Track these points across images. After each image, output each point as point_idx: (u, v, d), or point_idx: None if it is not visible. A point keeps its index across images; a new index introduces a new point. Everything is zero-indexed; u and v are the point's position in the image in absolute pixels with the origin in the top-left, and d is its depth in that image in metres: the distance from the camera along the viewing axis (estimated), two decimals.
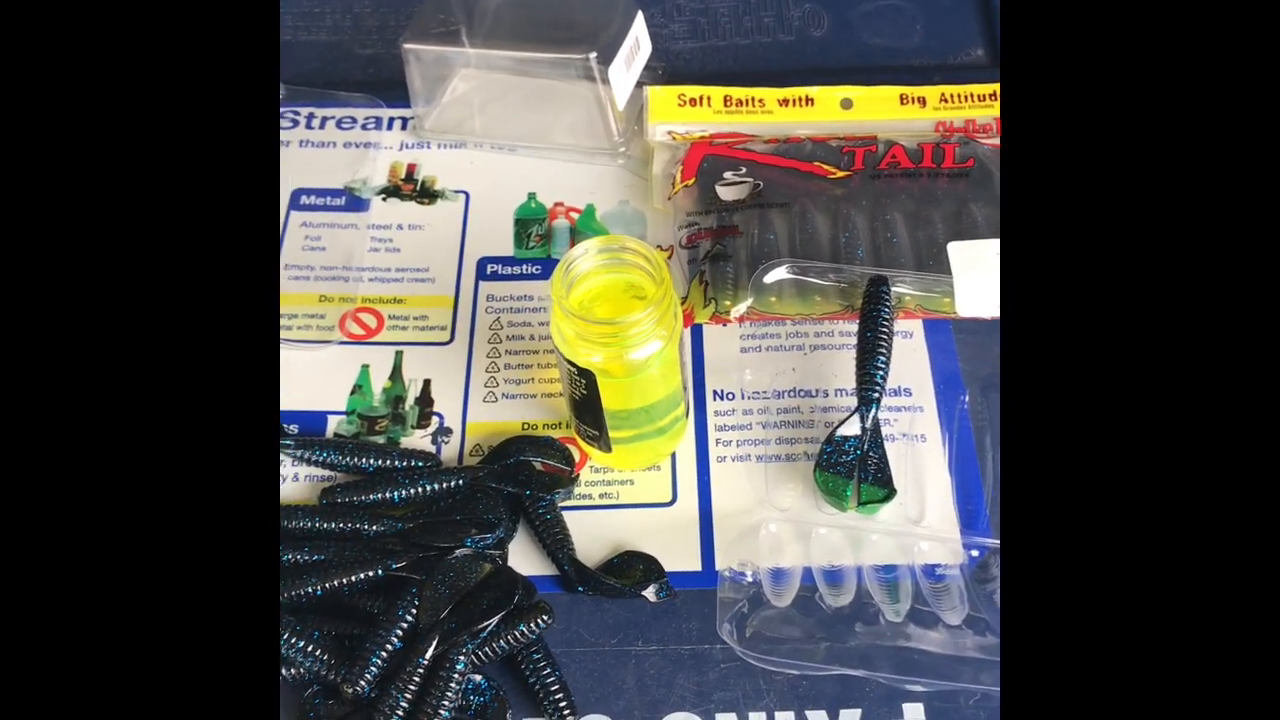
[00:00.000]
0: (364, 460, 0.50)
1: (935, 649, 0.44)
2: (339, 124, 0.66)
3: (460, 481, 0.49)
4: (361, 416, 0.53)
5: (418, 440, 0.52)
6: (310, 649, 0.44)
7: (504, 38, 0.62)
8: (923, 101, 0.63)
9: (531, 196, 0.62)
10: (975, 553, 0.47)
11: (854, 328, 0.51)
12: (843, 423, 0.49)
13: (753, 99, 0.63)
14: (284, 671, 0.44)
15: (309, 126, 0.65)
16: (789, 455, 0.51)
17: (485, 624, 0.44)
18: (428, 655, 0.43)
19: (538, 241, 0.60)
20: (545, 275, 0.58)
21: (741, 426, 0.52)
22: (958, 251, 0.55)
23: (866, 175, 0.59)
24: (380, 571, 0.46)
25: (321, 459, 0.50)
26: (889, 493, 0.48)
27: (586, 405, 0.47)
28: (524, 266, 0.59)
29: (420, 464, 0.50)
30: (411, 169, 0.63)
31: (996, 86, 0.63)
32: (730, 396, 0.53)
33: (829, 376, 0.54)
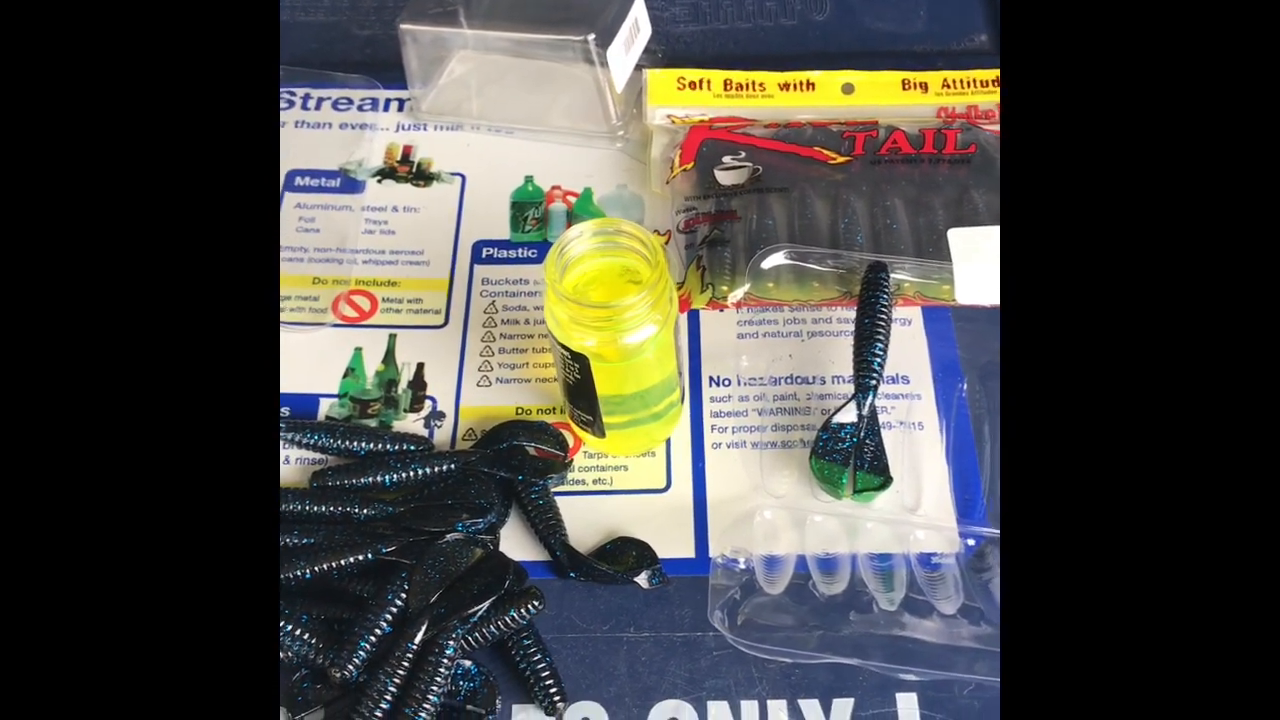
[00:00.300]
0: (355, 444, 0.50)
1: (929, 638, 0.44)
2: (335, 105, 0.65)
3: (452, 466, 0.49)
4: (354, 400, 0.53)
5: (410, 424, 0.52)
6: (299, 633, 0.43)
7: (502, 19, 0.62)
8: (925, 87, 0.62)
9: (528, 179, 0.61)
10: (971, 542, 0.47)
11: (852, 314, 0.50)
12: (839, 410, 0.48)
13: (753, 83, 0.63)
14: None
15: (305, 107, 0.64)
16: (785, 442, 0.51)
17: (475, 609, 0.43)
18: (417, 640, 0.43)
19: (534, 225, 0.59)
20: (541, 259, 0.57)
21: (738, 413, 0.52)
22: (958, 238, 0.54)
23: (867, 161, 0.58)
24: (370, 555, 0.45)
25: (313, 442, 0.50)
26: (885, 480, 0.47)
27: (580, 390, 0.47)
28: (520, 250, 0.58)
29: (412, 448, 0.50)
30: (408, 151, 0.63)
31: (998, 73, 0.62)
32: (726, 383, 0.53)
33: (826, 363, 0.53)
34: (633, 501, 0.49)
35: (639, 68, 0.62)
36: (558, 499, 0.49)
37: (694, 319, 0.55)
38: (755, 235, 0.55)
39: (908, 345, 0.53)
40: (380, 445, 0.50)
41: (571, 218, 0.60)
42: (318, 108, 0.65)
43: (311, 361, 0.54)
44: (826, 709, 0.44)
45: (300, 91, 0.65)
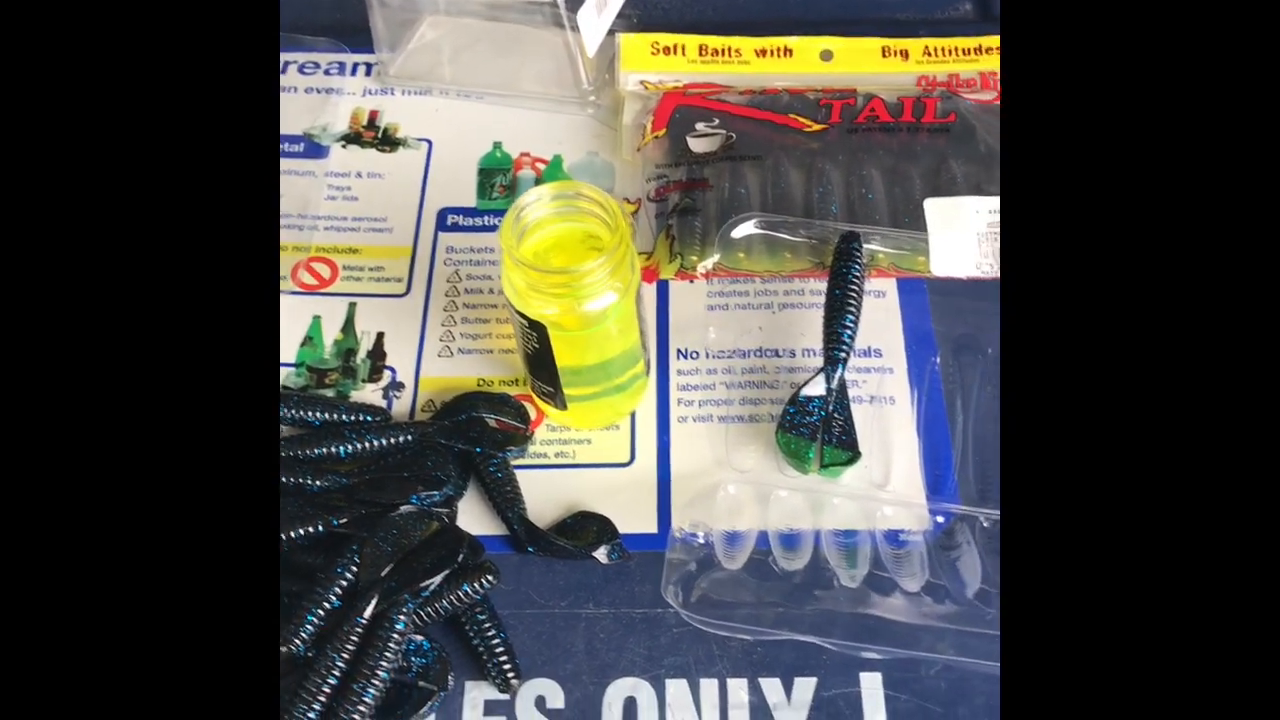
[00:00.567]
0: (310, 414, 0.48)
1: (893, 616, 0.42)
2: (301, 69, 0.63)
3: (409, 437, 0.48)
4: (311, 369, 0.51)
5: (368, 395, 0.51)
6: None
7: None
8: (905, 54, 0.61)
9: (497, 146, 0.60)
10: (941, 519, 0.46)
11: (825, 286, 0.49)
12: (807, 383, 0.47)
13: (729, 48, 0.61)
14: None
15: None
16: (752, 416, 0.49)
17: (427, 583, 0.42)
18: (367, 614, 0.41)
19: (501, 192, 0.58)
20: None
21: (705, 386, 0.51)
22: (934, 208, 0.53)
23: (843, 129, 0.57)
24: (322, 527, 0.44)
25: None
26: (853, 456, 0.46)
27: (539, 360, 0.45)
28: (486, 218, 0.57)
29: (369, 419, 0.48)
30: (374, 116, 0.61)
31: (982, 40, 0.61)
32: (694, 355, 0.52)
33: (797, 336, 0.52)
34: (595, 475, 0.48)
35: (612, 32, 0.60)
36: (519, 472, 0.48)
37: (663, 290, 0.54)
38: (727, 204, 0.54)
39: (881, 317, 0.52)
40: (336, 416, 0.48)
41: (540, 185, 0.58)
42: (283, 71, 0.63)
43: None
44: (788, 688, 0.42)
45: None
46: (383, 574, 0.42)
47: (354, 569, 0.43)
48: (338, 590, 0.42)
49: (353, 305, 0.53)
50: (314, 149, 0.59)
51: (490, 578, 0.43)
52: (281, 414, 0.49)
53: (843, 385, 0.47)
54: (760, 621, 0.42)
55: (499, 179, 0.58)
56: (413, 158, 0.59)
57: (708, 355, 0.51)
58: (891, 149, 0.56)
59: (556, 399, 0.47)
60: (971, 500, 0.46)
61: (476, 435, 0.48)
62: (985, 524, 0.45)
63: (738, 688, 0.42)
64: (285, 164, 0.59)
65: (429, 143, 0.60)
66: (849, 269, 0.48)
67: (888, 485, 0.47)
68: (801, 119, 0.57)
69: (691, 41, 0.61)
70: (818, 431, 0.46)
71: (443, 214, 0.57)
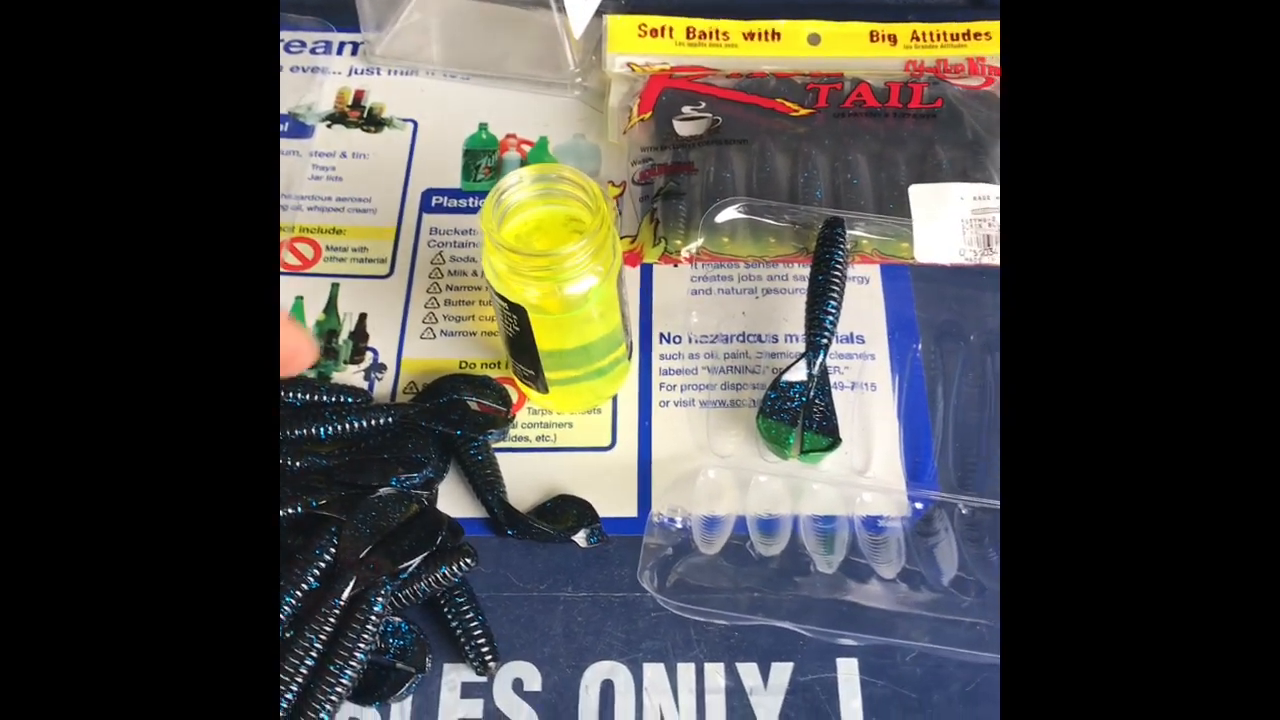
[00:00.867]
0: (291, 395, 0.48)
1: (868, 603, 0.42)
2: (287, 47, 0.63)
3: (390, 419, 0.48)
4: None
5: (350, 376, 0.50)
6: None
7: None
8: (893, 39, 0.61)
9: (483, 127, 0.59)
10: (919, 505, 0.46)
11: (808, 271, 0.48)
12: (789, 368, 0.47)
13: (716, 31, 0.61)
14: None
15: None
16: (734, 401, 0.49)
17: (406, 565, 0.42)
18: (344, 596, 0.42)
19: (486, 174, 0.57)
20: None
21: (687, 371, 0.51)
22: (919, 195, 0.53)
23: (830, 114, 0.56)
24: (300, 509, 0.44)
25: None
26: (833, 441, 0.46)
27: (520, 343, 0.45)
28: (470, 200, 0.56)
29: (349, 400, 0.48)
30: (360, 96, 0.61)
31: (970, 26, 0.61)
32: (677, 340, 0.51)
33: (780, 321, 0.52)
34: (576, 459, 0.48)
35: (600, 14, 0.60)
36: (500, 455, 0.48)
37: (647, 274, 0.53)
38: (712, 188, 0.54)
39: (864, 304, 0.52)
40: (316, 397, 0.48)
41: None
42: None
43: None
44: (765, 673, 0.43)
45: None
46: (361, 556, 0.42)
47: (332, 550, 0.43)
48: (316, 571, 0.42)
49: (335, 286, 0.53)
50: (299, 128, 0.59)
51: (469, 560, 0.43)
52: None
53: (824, 371, 0.47)
54: (736, 607, 0.43)
55: (484, 160, 0.58)
56: (398, 138, 0.59)
57: (690, 340, 0.51)
58: (878, 134, 0.56)
59: (538, 382, 0.47)
60: (950, 487, 0.46)
61: (458, 418, 0.48)
62: (964, 511, 0.45)
63: (715, 672, 0.43)
64: None
65: (414, 123, 0.60)
66: (832, 255, 0.48)
67: (868, 471, 0.47)
68: (788, 103, 0.57)
69: (679, 24, 0.60)
70: (799, 417, 0.46)
71: (427, 195, 0.57)
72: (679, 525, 0.45)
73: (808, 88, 0.58)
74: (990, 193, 0.53)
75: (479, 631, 0.43)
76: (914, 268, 0.53)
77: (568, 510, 0.46)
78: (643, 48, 0.60)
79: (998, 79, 0.59)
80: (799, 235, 0.52)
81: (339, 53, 0.63)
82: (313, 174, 0.57)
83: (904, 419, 0.49)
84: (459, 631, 0.43)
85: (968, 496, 0.46)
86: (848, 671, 0.42)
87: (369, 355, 0.51)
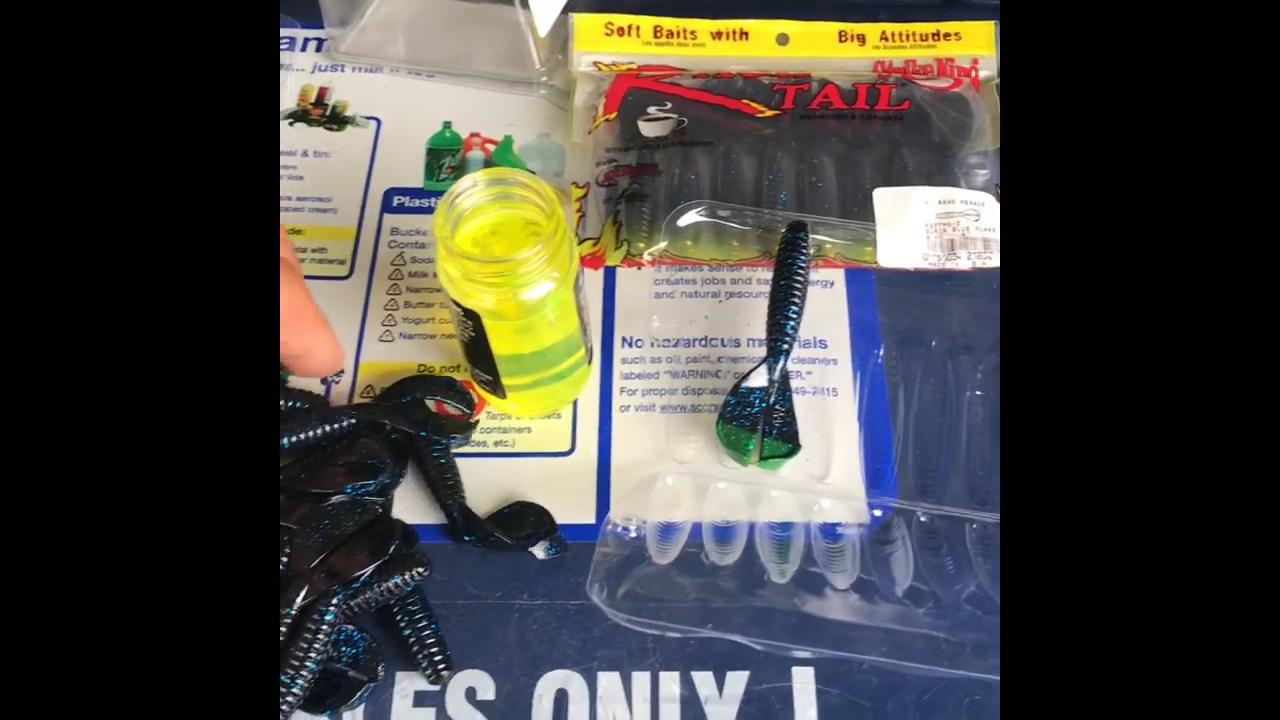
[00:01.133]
0: None
1: (822, 614, 0.42)
2: None
3: (352, 422, 0.47)
4: None
5: (306, 379, 0.50)
6: None
7: None
8: (862, 39, 0.60)
9: (446, 126, 0.59)
10: (878, 513, 0.45)
11: (771, 275, 0.48)
12: (749, 374, 0.46)
13: (684, 30, 0.60)
14: None
15: None
16: (695, 406, 0.49)
17: (358, 574, 0.42)
18: (296, 605, 0.41)
19: (449, 173, 0.57)
20: None
21: (648, 375, 0.50)
22: (884, 198, 0.53)
23: (796, 115, 0.56)
24: None
25: None
26: (793, 448, 0.46)
27: (476, 349, 0.45)
28: (432, 200, 0.56)
29: (301, 405, 0.48)
30: (323, 93, 0.60)
31: (940, 26, 0.60)
32: (639, 344, 0.51)
33: (742, 326, 0.51)
34: (535, 465, 0.48)
35: (567, 11, 0.59)
36: (459, 460, 0.47)
37: (610, 277, 0.53)
38: (677, 190, 0.53)
39: (827, 308, 0.52)
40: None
41: (489, 166, 0.57)
42: None
43: None
44: (720, 682, 0.42)
45: None
46: (313, 565, 0.42)
47: (284, 559, 0.42)
48: None
49: None
50: None
51: (421, 570, 0.42)
52: None
53: (785, 377, 0.47)
54: (687, 620, 0.42)
55: (447, 160, 0.57)
56: (360, 136, 0.58)
57: (652, 344, 0.51)
58: (844, 136, 0.55)
59: (495, 387, 0.47)
60: (910, 494, 0.46)
61: (422, 419, 0.47)
62: (922, 519, 0.45)
63: (670, 681, 0.42)
64: None
65: (378, 121, 0.59)
66: (794, 259, 0.48)
67: (827, 478, 0.47)
68: (755, 104, 0.56)
69: (646, 22, 0.60)
70: (758, 423, 0.46)
71: (389, 194, 0.56)
72: (633, 534, 0.44)
73: (774, 88, 0.57)
74: (956, 197, 0.52)
75: (432, 640, 0.43)
76: (878, 273, 0.52)
77: (525, 517, 0.46)
78: (609, 46, 0.60)
79: (966, 80, 0.59)
80: (762, 239, 0.52)
81: (303, 49, 0.62)
82: None
83: (865, 425, 0.48)
84: (412, 640, 0.43)
85: (927, 504, 0.45)
86: (803, 681, 0.42)
87: None
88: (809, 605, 0.42)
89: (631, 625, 0.42)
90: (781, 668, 0.42)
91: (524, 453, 0.48)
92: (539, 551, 0.45)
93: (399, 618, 0.43)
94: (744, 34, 0.60)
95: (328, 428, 0.46)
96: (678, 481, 0.46)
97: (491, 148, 0.58)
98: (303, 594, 0.41)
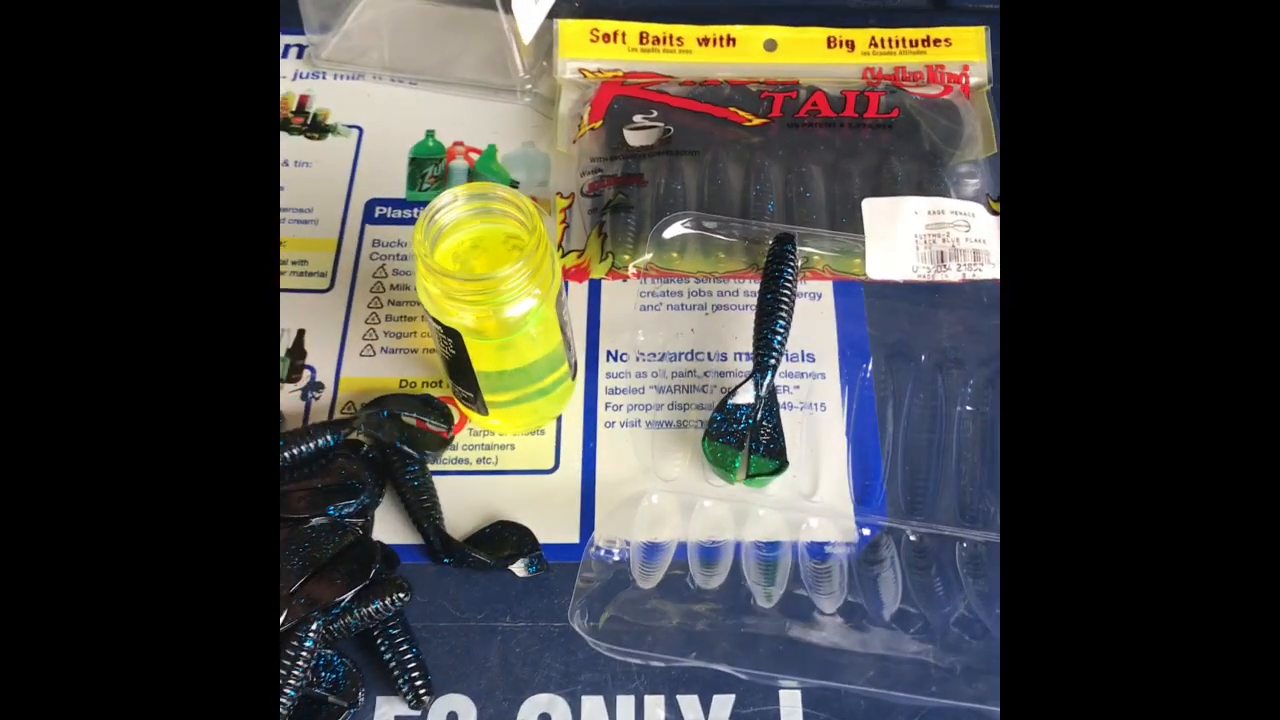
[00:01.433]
0: None
1: (808, 639, 0.41)
2: None
3: (330, 439, 0.46)
4: None
5: (287, 395, 0.49)
6: None
7: None
8: (851, 45, 0.59)
9: (429, 134, 0.58)
10: (867, 531, 0.45)
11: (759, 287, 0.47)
12: (736, 389, 0.46)
13: (671, 36, 0.59)
14: None
15: None
16: (680, 421, 0.48)
17: (338, 599, 0.41)
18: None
19: (432, 183, 0.56)
20: None
21: (634, 390, 0.49)
22: (872, 209, 0.52)
23: (784, 124, 0.55)
24: None
25: None
26: (780, 465, 0.45)
27: (457, 366, 0.44)
28: (415, 210, 0.55)
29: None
30: (304, 101, 0.59)
31: (930, 32, 0.59)
32: (624, 358, 0.50)
33: (729, 339, 0.50)
34: (518, 482, 0.47)
35: (552, 17, 0.59)
36: (440, 478, 0.47)
37: (595, 289, 0.52)
38: (663, 201, 0.52)
39: (816, 321, 0.51)
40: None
41: (473, 175, 0.56)
42: None
43: None
44: (706, 706, 0.42)
45: None
46: (293, 589, 0.41)
47: None
48: None
49: None
50: None
51: (401, 595, 0.41)
52: None
53: (772, 392, 0.46)
54: (672, 647, 0.41)
55: (430, 169, 0.56)
56: (342, 145, 0.57)
57: (638, 358, 0.50)
58: (833, 145, 0.55)
59: (477, 404, 0.46)
60: (899, 512, 0.46)
61: (397, 435, 0.46)
62: (912, 537, 0.44)
63: (655, 705, 0.42)
64: None
65: (360, 130, 0.58)
66: (781, 272, 0.47)
67: (815, 496, 0.46)
68: (742, 112, 0.55)
69: (632, 29, 0.59)
70: (745, 440, 0.45)
71: (371, 205, 0.55)
72: (616, 557, 0.44)
73: (762, 96, 0.56)
74: (945, 207, 0.52)
75: (413, 664, 0.42)
76: (867, 285, 0.51)
77: (507, 537, 0.45)
78: (595, 53, 0.59)
79: (956, 87, 0.58)
80: (749, 251, 0.51)
81: (284, 56, 0.61)
82: None
83: (853, 441, 0.48)
84: (393, 664, 0.42)
85: (916, 522, 0.45)
86: (790, 705, 0.41)
87: (306, 373, 0.50)
88: (795, 631, 0.41)
89: (614, 655, 0.42)
90: (768, 692, 0.42)
91: (507, 470, 0.47)
92: (519, 569, 0.44)
93: (379, 641, 0.42)
94: (731, 40, 0.59)
95: (304, 447, 0.46)
96: (663, 500, 0.45)
97: (475, 157, 0.57)
98: (283, 620, 0.40)
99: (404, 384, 0.49)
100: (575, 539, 0.45)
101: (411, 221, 0.54)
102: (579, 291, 0.52)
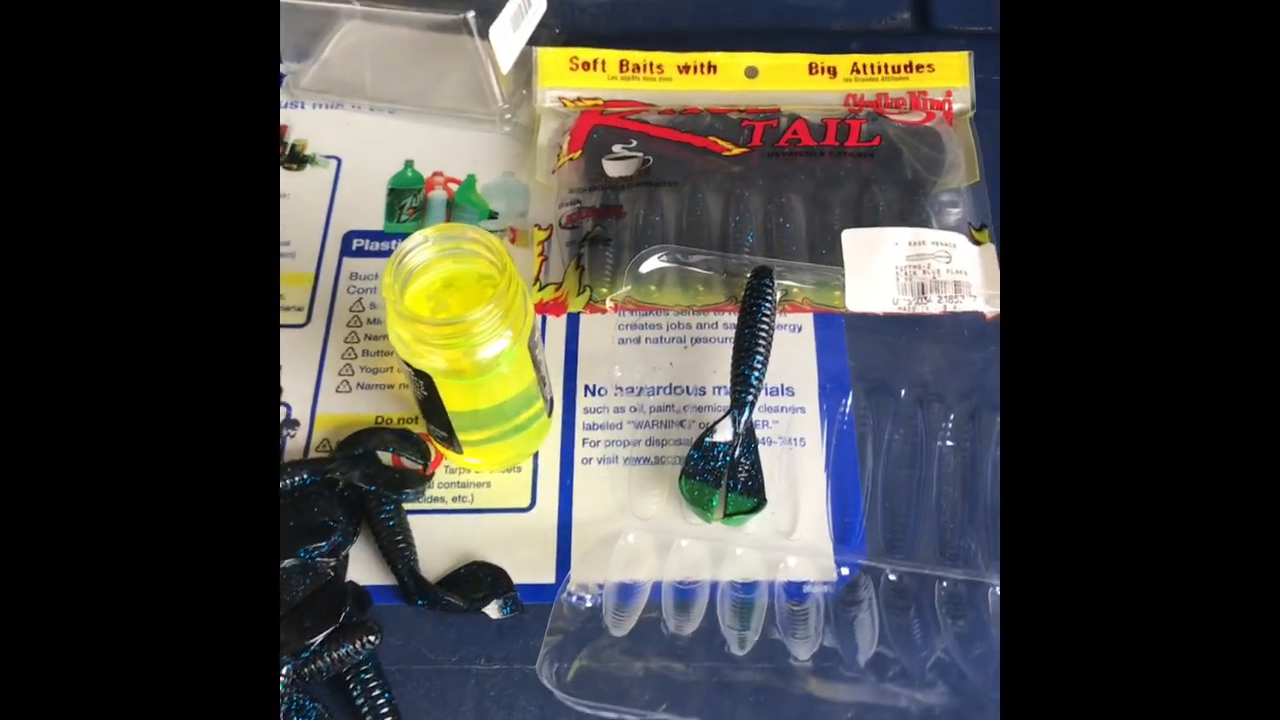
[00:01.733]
0: None
1: (782, 687, 0.41)
2: None
3: (305, 478, 0.46)
4: None
5: None
6: None
7: None
8: (833, 71, 0.59)
9: (408, 165, 0.57)
10: (846, 570, 0.44)
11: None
12: (713, 427, 0.45)
13: (651, 64, 0.59)
14: None
15: None
16: (658, 458, 0.48)
17: (307, 643, 0.41)
18: None
19: (410, 214, 0.56)
20: None
21: (611, 425, 0.49)
22: (852, 240, 0.51)
23: (764, 153, 0.55)
24: None
25: None
26: (758, 503, 0.44)
27: (430, 406, 0.43)
28: (393, 242, 0.54)
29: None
30: (282, 131, 0.59)
31: (913, 57, 0.59)
32: (602, 392, 0.50)
33: (708, 373, 0.50)
34: (493, 521, 0.47)
35: (533, 44, 0.58)
36: (415, 517, 0.46)
37: (573, 323, 0.52)
38: (641, 232, 0.52)
39: (796, 354, 0.50)
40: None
41: (452, 206, 0.56)
42: None
43: None
44: None
45: None
46: None
47: None
48: None
49: None
50: None
51: (372, 639, 0.41)
52: None
53: (750, 429, 0.45)
54: (643, 700, 0.41)
55: (409, 200, 0.56)
56: (320, 176, 0.57)
57: (616, 392, 0.50)
58: (814, 174, 0.54)
59: (452, 443, 0.46)
60: (878, 550, 0.45)
61: (372, 474, 0.46)
62: (891, 577, 0.44)
63: None
64: None
65: (338, 160, 0.58)
66: (759, 307, 0.47)
67: (794, 534, 0.46)
68: (722, 142, 0.55)
69: (612, 56, 0.59)
70: (722, 477, 0.45)
71: (348, 237, 0.55)
72: (589, 603, 0.43)
73: (742, 124, 0.56)
74: (926, 238, 0.51)
75: (385, 708, 0.41)
76: (848, 317, 0.51)
77: (481, 578, 0.44)
78: (575, 81, 0.58)
79: (939, 114, 0.57)
80: (728, 283, 0.51)
81: None
82: None
83: (833, 477, 0.47)
84: (365, 708, 0.41)
85: (895, 560, 0.44)
86: None
87: (282, 410, 0.49)
88: (769, 679, 0.41)
89: (584, 709, 0.41)
90: None
91: (483, 509, 0.47)
92: (493, 611, 0.44)
93: (351, 685, 0.42)
94: (712, 67, 0.59)
95: (285, 482, 0.45)
96: (639, 540, 0.45)
97: (454, 187, 0.57)
98: None
99: (380, 420, 0.49)
100: (551, 579, 0.45)
101: (388, 254, 0.54)
102: (556, 325, 0.51)
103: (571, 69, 0.58)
